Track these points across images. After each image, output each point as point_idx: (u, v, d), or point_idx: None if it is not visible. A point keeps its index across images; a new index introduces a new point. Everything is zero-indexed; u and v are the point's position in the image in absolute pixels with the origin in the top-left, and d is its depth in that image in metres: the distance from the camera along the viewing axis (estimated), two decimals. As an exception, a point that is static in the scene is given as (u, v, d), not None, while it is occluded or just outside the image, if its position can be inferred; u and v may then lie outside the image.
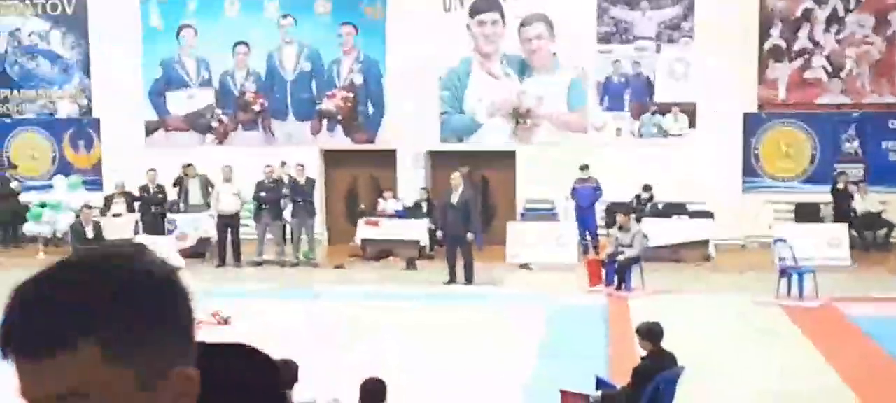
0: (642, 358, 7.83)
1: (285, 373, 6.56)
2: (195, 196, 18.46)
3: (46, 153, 21.20)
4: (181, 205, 18.60)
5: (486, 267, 17.33)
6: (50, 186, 19.79)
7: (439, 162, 19.91)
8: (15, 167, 20.71)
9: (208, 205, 18.19)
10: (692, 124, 19.39)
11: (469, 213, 15.85)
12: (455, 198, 15.84)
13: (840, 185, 18.52)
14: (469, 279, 15.75)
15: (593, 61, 19.48)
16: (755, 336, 12.35)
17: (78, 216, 17.17)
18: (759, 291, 14.70)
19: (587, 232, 18.27)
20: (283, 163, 18.06)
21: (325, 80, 20.25)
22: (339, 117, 20.29)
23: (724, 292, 15.09)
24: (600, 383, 8.35)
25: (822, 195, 18.89)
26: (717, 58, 18.86)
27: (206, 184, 18.81)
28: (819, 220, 18.61)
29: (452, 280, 15.77)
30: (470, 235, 15.70)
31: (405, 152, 19.87)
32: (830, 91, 19.33)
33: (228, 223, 17.79)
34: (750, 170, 19.44)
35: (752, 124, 19.39)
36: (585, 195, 18.32)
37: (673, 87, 19.36)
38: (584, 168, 18.37)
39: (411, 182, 19.56)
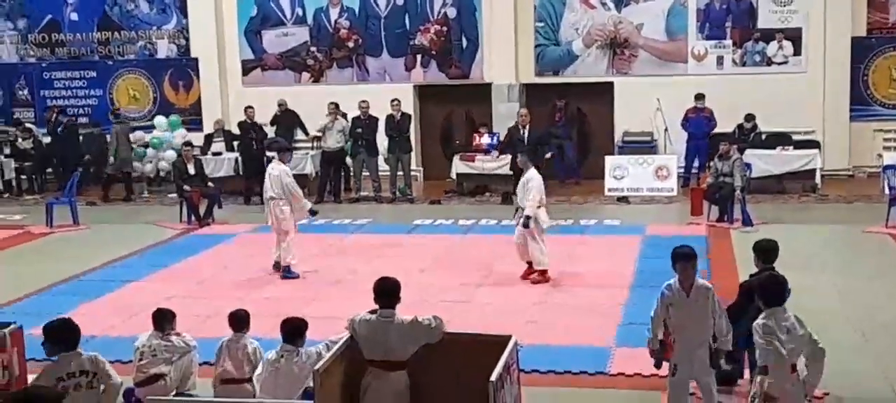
0: (751, 275, 7.66)
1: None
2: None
3: (147, 93, 21.61)
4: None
5: (583, 200, 17.17)
6: (152, 126, 20.19)
7: (535, 95, 19.67)
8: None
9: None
10: (797, 51, 18.74)
11: (537, 151, 15.74)
12: (525, 136, 15.72)
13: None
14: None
15: (693, -13, 18.98)
16: (864, 267, 11.98)
17: (179, 154, 17.49)
18: (868, 221, 14.23)
19: (696, 162, 17.86)
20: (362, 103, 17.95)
21: (418, 15, 20.12)
22: (433, 52, 20.17)
23: (831, 222, 14.64)
24: None
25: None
26: (823, -21, 18.22)
27: (300, 124, 19.29)
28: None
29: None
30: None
31: (500, 86, 19.65)
32: (945, 13, 18.47)
33: (333, 160, 17.92)
34: (858, 97, 18.72)
35: (860, 50, 18.63)
36: (699, 124, 17.90)
37: (777, 13, 18.70)
38: (698, 97, 17.94)
39: (506, 116, 19.35)
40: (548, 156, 17.16)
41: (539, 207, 11.38)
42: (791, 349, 5.95)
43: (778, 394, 5.93)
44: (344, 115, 17.98)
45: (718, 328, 6.84)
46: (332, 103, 17.98)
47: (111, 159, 18.83)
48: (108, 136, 19.52)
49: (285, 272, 12.21)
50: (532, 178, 11.47)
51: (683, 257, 6.89)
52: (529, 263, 11.59)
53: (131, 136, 19.64)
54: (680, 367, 6.93)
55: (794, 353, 5.98)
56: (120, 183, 19.10)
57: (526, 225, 11.36)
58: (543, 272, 11.50)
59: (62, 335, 6.25)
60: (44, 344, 6.37)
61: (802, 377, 6.07)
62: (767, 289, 6.19)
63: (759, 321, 6.03)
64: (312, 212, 12.78)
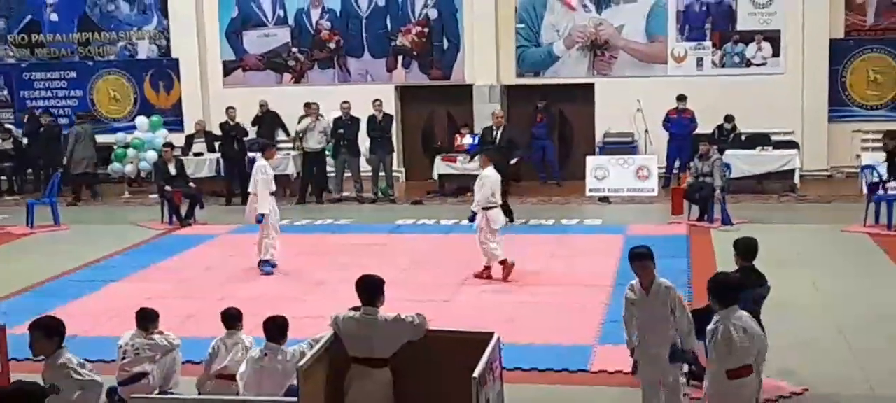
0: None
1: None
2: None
3: (128, 94, 21.53)
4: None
5: (565, 200, 17.23)
6: (133, 127, 20.12)
7: (516, 96, 19.74)
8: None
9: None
10: (776, 53, 18.89)
11: (511, 152, 15.98)
12: (498, 136, 16.06)
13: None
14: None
15: (673, -12, 19.09)
16: (842, 266, 12.08)
17: (160, 155, 17.45)
18: (847, 221, 14.35)
19: (677, 163, 17.95)
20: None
21: (399, 16, 20.14)
22: (415, 53, 20.20)
23: (809, 222, 14.76)
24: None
25: (912, 123, 18.31)
26: (801, -19, 18.37)
27: (281, 125, 19.38)
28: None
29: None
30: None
31: (481, 87, 19.69)
32: (922, 15, 18.65)
33: (314, 161, 17.92)
34: (836, 98, 18.88)
35: (838, 51, 18.79)
36: (681, 125, 18.00)
37: (756, 15, 18.84)
38: (680, 98, 18.06)
39: (488, 117, 19.39)
40: (513, 161, 17.17)
41: (493, 208, 11.56)
42: (745, 348, 6.01)
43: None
44: (321, 116, 17.94)
45: (680, 325, 6.84)
46: (313, 103, 17.94)
47: (65, 160, 18.68)
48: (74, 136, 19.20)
49: (262, 263, 12.29)
50: (487, 177, 11.75)
51: (639, 256, 6.93)
52: (487, 266, 11.74)
53: (112, 138, 19.58)
54: (642, 365, 6.97)
55: (747, 353, 6.04)
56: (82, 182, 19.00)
57: (471, 220, 11.87)
58: (504, 262, 11.60)
59: (59, 329, 6.22)
60: (36, 341, 6.20)
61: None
62: (719, 289, 6.18)
63: (713, 323, 6.08)
64: (257, 220, 12.26)
